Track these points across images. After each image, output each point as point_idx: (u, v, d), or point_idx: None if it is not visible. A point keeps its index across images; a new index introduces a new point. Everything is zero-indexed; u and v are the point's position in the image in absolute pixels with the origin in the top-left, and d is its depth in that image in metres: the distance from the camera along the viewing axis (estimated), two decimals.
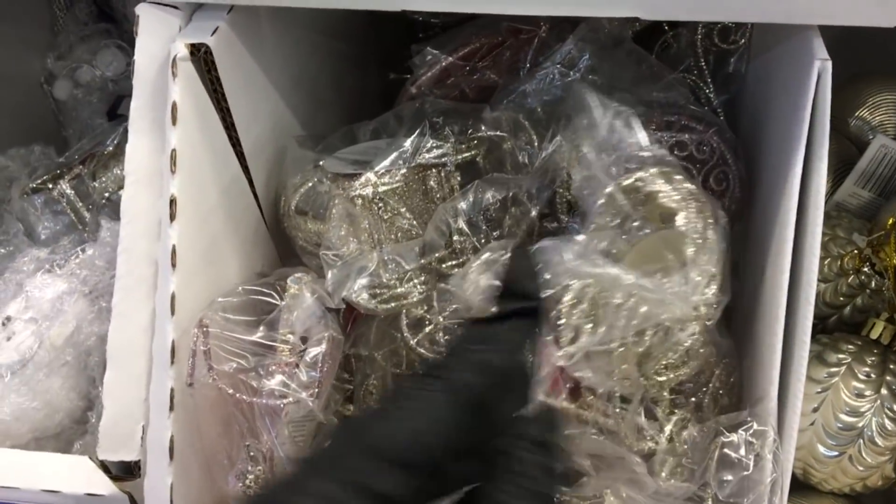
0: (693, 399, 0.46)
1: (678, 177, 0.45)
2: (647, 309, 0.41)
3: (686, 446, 0.44)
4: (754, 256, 0.52)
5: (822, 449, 0.52)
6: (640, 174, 0.45)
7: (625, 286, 0.42)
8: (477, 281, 0.45)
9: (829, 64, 0.45)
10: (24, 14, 0.92)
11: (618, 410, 0.46)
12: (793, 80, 0.48)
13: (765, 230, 0.50)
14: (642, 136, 0.47)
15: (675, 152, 0.53)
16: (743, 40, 0.61)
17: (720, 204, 0.53)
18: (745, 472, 0.41)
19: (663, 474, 0.43)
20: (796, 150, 0.46)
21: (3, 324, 0.55)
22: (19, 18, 0.91)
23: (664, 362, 0.45)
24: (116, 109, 0.87)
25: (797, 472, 0.54)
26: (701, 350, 0.46)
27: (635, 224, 0.45)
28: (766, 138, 0.54)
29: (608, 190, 0.46)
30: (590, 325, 0.43)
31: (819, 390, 0.51)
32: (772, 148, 0.52)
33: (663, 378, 0.45)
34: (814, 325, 0.58)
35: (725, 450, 0.42)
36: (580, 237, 0.45)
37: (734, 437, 0.42)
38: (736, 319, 0.52)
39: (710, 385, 0.47)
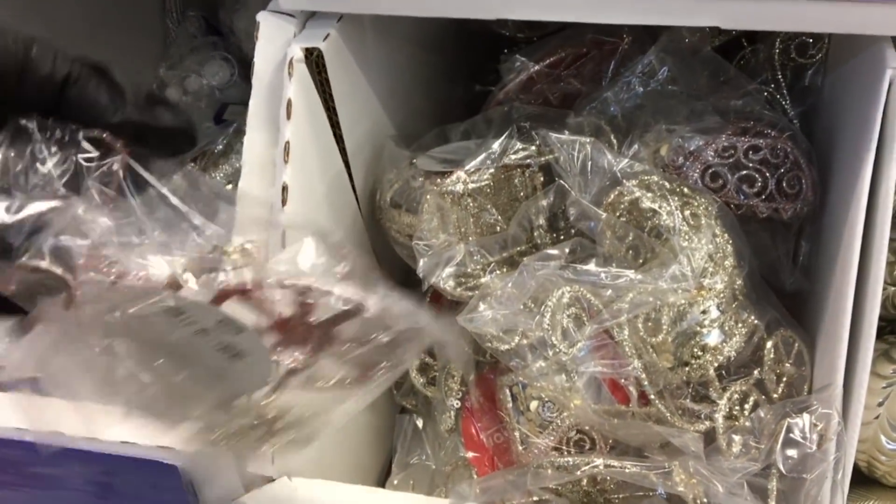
0: (753, 373, 0.49)
1: (655, 178, 0.49)
2: (633, 296, 0.45)
3: (750, 424, 0.46)
4: (825, 255, 0.55)
5: (885, 442, 0.53)
6: (619, 188, 0.50)
7: (616, 284, 0.46)
8: None
9: None
10: (140, 27, 1.00)
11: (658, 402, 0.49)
12: (866, 89, 0.50)
13: (835, 231, 0.53)
14: (611, 158, 0.52)
15: (750, 155, 0.56)
16: (820, 55, 0.64)
17: (793, 206, 0.56)
18: (809, 451, 0.44)
19: (735, 450, 0.46)
20: (867, 155, 0.48)
21: None
22: (136, 30, 0.99)
23: (701, 343, 0.48)
24: (222, 115, 0.94)
25: (861, 466, 0.56)
26: (737, 325, 0.49)
27: (632, 239, 0.50)
28: (838, 145, 0.56)
29: (601, 219, 0.51)
30: (575, 324, 0.47)
31: (885, 385, 0.53)
32: (844, 154, 0.54)
33: (702, 359, 0.48)
34: (883, 327, 0.60)
35: (791, 429, 0.45)
36: (554, 251, 0.51)
37: (800, 419, 0.45)
38: (808, 312, 0.55)
39: (766, 357, 0.50)
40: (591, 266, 0.50)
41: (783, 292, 0.57)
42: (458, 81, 0.83)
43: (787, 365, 0.51)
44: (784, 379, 0.51)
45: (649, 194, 0.52)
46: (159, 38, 1.01)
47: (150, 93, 0.37)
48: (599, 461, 0.46)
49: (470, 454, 0.59)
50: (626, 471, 0.45)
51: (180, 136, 0.40)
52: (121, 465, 0.58)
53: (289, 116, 0.54)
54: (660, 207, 0.51)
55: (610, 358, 0.48)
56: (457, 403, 0.60)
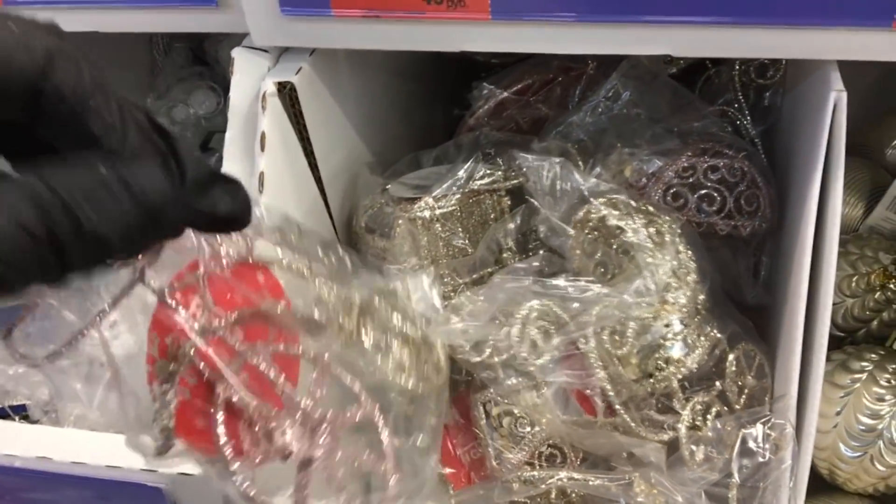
0: (716, 385, 0.51)
1: (621, 197, 0.51)
2: (598, 309, 0.48)
3: (711, 434, 0.48)
4: (782, 270, 0.57)
5: (844, 449, 0.55)
6: (587, 206, 0.52)
7: (583, 298, 0.49)
8: None
9: (844, 94, 0.50)
10: (128, 58, 1.02)
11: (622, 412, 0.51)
12: (814, 110, 0.53)
13: (790, 246, 0.55)
14: (579, 177, 0.55)
15: (709, 175, 0.58)
16: (778, 75, 0.66)
17: (752, 223, 0.58)
18: (764, 460, 0.46)
19: (697, 459, 0.48)
20: (815, 173, 0.51)
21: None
22: (123, 62, 1.01)
23: (665, 356, 0.50)
24: (208, 143, 0.97)
25: (823, 473, 0.58)
26: (699, 338, 0.51)
27: (600, 256, 0.53)
28: (794, 163, 0.58)
29: (571, 235, 0.54)
30: (543, 337, 0.49)
31: (842, 395, 0.55)
32: (798, 171, 0.56)
33: (666, 371, 0.50)
34: (842, 338, 0.62)
35: (746, 440, 0.47)
36: (522, 265, 0.54)
37: (754, 429, 0.47)
38: (769, 325, 0.57)
39: (728, 369, 0.52)
40: (560, 280, 0.52)
41: (746, 306, 0.59)
42: (436, 106, 0.85)
43: (749, 377, 0.53)
44: (746, 391, 0.53)
45: (615, 212, 0.54)
46: (147, 69, 1.03)
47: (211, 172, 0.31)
48: (564, 474, 0.47)
49: (447, 470, 0.60)
50: (590, 483, 0.47)
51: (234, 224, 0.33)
52: (109, 488, 0.60)
53: (262, 148, 0.56)
54: (625, 225, 0.53)
55: (577, 369, 0.50)
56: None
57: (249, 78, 0.59)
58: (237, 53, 0.59)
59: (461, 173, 0.57)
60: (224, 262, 0.40)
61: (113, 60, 0.99)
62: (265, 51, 0.59)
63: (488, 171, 0.58)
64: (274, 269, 0.42)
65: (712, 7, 0.48)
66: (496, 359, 0.53)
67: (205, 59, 1.02)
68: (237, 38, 0.98)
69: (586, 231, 0.55)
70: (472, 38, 0.53)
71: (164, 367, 0.38)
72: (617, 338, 0.52)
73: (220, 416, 0.37)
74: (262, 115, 0.56)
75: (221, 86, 1.00)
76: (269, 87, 0.56)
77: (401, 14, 0.53)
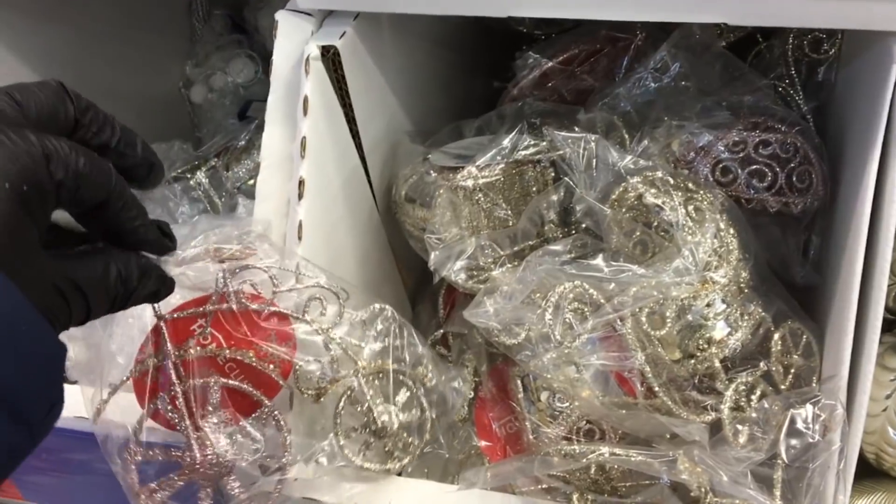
0: (760, 364, 0.50)
1: (659, 174, 0.50)
2: (636, 290, 0.46)
3: (756, 415, 0.47)
4: (834, 249, 0.55)
5: (893, 434, 0.54)
6: (623, 185, 0.51)
7: (619, 279, 0.48)
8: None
9: None
10: (167, 25, 1.02)
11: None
12: (874, 85, 0.51)
13: (844, 225, 0.53)
14: (616, 155, 0.54)
15: (760, 150, 0.56)
16: (833, 50, 0.64)
17: (803, 200, 0.56)
18: (813, 441, 0.45)
19: (741, 440, 0.47)
20: (874, 149, 0.49)
21: None
22: (162, 29, 1.01)
23: (707, 336, 0.49)
24: (246, 112, 0.96)
25: (870, 458, 0.56)
26: (742, 317, 0.49)
27: (639, 234, 0.52)
28: (849, 140, 0.57)
29: (607, 215, 0.53)
30: (578, 319, 0.48)
31: (892, 378, 0.54)
32: (853, 148, 0.55)
33: (708, 352, 0.49)
34: (893, 321, 0.60)
35: (795, 420, 0.46)
36: (558, 246, 0.53)
37: (804, 409, 0.46)
38: (818, 306, 0.55)
39: (773, 348, 0.50)
40: (594, 261, 0.51)
41: (794, 286, 0.58)
42: (476, 78, 0.84)
43: (796, 356, 0.52)
44: (792, 370, 0.52)
45: (653, 190, 0.52)
46: (186, 36, 1.03)
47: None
48: (605, 449, 0.46)
49: (482, 443, 0.60)
50: (632, 459, 0.46)
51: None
52: None
53: (305, 113, 0.55)
54: (663, 203, 0.52)
55: (615, 350, 0.49)
56: (470, 393, 0.61)
57: (292, 42, 0.58)
58: (281, 16, 0.58)
59: (506, 143, 0.56)
60: (235, 304, 0.51)
61: (152, 27, 0.99)
62: (309, 14, 0.58)
63: (533, 142, 0.56)
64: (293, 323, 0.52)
65: None
66: (533, 334, 0.52)
67: (244, 27, 1.01)
68: (277, 5, 0.97)
69: (623, 210, 0.54)
70: (521, 2, 0.52)
71: (146, 360, 0.52)
72: (656, 318, 0.51)
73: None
74: (305, 79, 0.55)
75: (260, 54, 0.99)
76: (313, 50, 0.55)
77: None
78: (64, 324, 0.37)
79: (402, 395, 0.53)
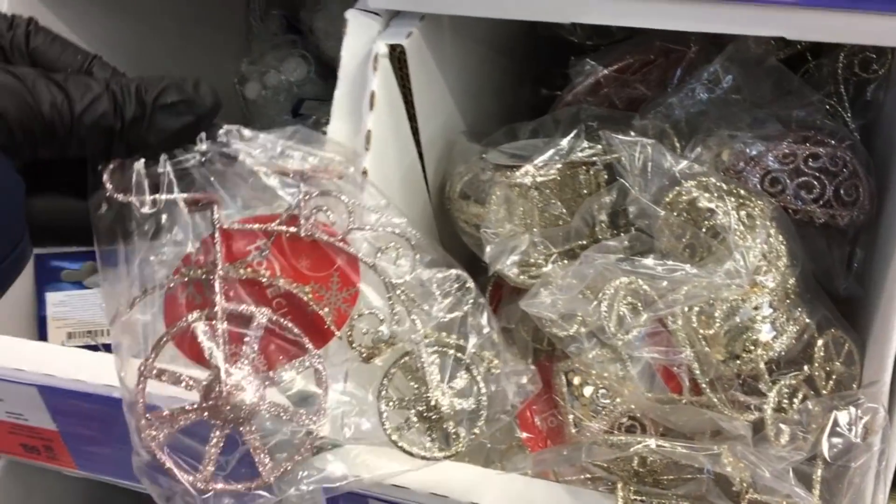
0: (803, 369, 0.51)
1: (713, 179, 0.52)
2: (688, 289, 0.48)
3: (798, 417, 0.49)
4: (879, 262, 0.56)
5: None
6: (677, 188, 0.53)
7: (672, 277, 0.49)
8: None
9: None
10: (225, 23, 1.05)
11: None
12: None
13: (890, 239, 0.55)
14: (671, 159, 0.55)
15: (810, 163, 0.58)
16: (882, 70, 0.66)
17: (850, 214, 0.58)
18: (854, 442, 0.46)
19: (782, 440, 0.48)
20: None
21: None
22: (221, 27, 1.05)
23: (753, 338, 0.50)
24: (298, 109, 0.99)
25: None
26: (788, 322, 0.51)
27: (689, 238, 0.53)
28: (895, 158, 0.58)
29: (660, 217, 0.54)
30: (631, 313, 0.50)
31: None
32: None
33: (754, 354, 0.51)
34: None
35: (838, 421, 0.47)
36: (614, 242, 0.55)
37: (847, 412, 0.47)
38: (860, 317, 0.57)
39: (816, 354, 0.52)
40: (649, 260, 0.53)
41: (836, 298, 0.59)
42: (524, 85, 0.86)
43: (837, 364, 0.53)
44: (833, 377, 0.53)
45: (707, 194, 0.54)
46: (242, 34, 1.06)
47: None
48: (651, 441, 0.48)
49: (524, 435, 0.62)
50: (677, 451, 0.47)
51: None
52: None
53: (371, 107, 0.58)
54: (716, 207, 0.53)
55: (663, 345, 0.51)
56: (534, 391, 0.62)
57: (360, 40, 0.60)
58: (350, 15, 0.60)
59: (564, 143, 0.58)
60: (304, 230, 0.45)
61: (211, 24, 1.03)
62: (377, 14, 0.61)
63: (589, 145, 0.58)
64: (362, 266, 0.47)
65: None
66: (584, 330, 0.54)
67: (299, 28, 1.05)
68: (332, 8, 1.00)
69: (675, 213, 0.56)
70: (585, 9, 0.54)
71: (189, 270, 0.45)
72: (704, 318, 0.52)
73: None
74: (372, 75, 0.58)
75: (313, 55, 1.02)
76: (382, 48, 0.58)
77: None
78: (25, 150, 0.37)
79: (461, 380, 0.48)
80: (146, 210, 0.43)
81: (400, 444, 0.48)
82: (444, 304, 0.48)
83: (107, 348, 0.77)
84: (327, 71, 1.02)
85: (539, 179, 0.58)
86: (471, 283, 0.48)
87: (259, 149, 0.45)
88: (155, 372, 0.44)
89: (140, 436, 0.44)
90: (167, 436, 0.44)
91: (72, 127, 0.39)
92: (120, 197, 0.42)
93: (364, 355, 0.47)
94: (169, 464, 0.44)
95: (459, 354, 0.48)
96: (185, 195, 0.44)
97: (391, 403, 0.47)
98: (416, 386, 0.48)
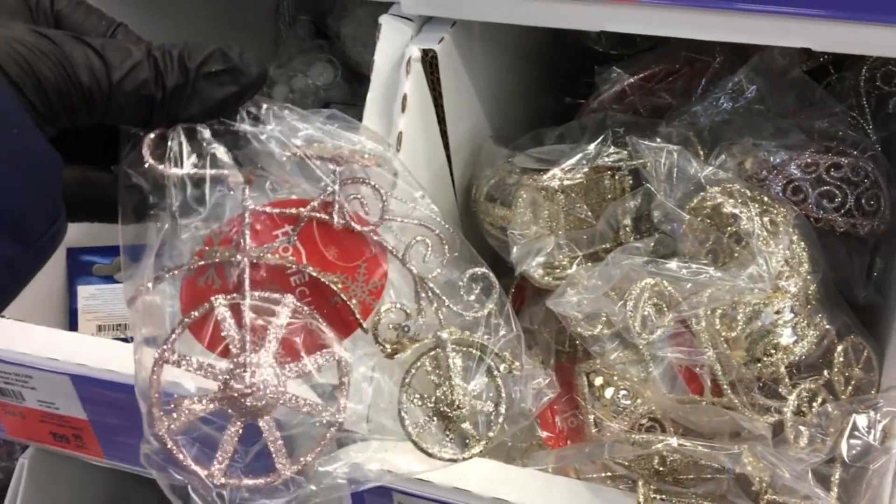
0: (823, 374, 0.52)
1: (737, 186, 0.53)
2: (711, 291, 0.49)
3: (817, 420, 0.50)
4: None
5: None
6: (702, 194, 0.54)
7: (696, 280, 0.50)
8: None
9: None
10: (255, 28, 1.07)
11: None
12: None
13: None
14: (697, 165, 0.56)
15: (832, 172, 0.59)
16: None
17: (870, 223, 0.59)
18: (873, 444, 0.47)
19: (801, 442, 0.49)
20: None
21: None
22: (251, 31, 1.07)
23: (774, 342, 0.51)
24: None
25: None
26: (808, 327, 0.52)
27: (712, 243, 0.54)
28: None
29: (685, 221, 0.55)
30: (656, 313, 0.51)
31: None
32: None
33: (775, 357, 0.52)
34: None
35: (857, 424, 0.48)
36: (640, 244, 0.56)
37: (865, 415, 0.48)
38: (879, 325, 0.58)
39: (835, 360, 0.53)
40: (673, 262, 0.54)
41: (856, 305, 0.60)
42: (549, 92, 0.88)
43: (856, 369, 0.54)
44: (852, 382, 0.54)
45: (731, 200, 0.55)
46: (271, 39, 1.08)
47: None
48: (673, 439, 0.49)
49: (545, 434, 0.63)
50: (699, 450, 0.48)
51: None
52: None
53: (403, 109, 0.59)
54: (740, 213, 0.55)
55: (686, 346, 0.52)
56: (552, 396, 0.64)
57: (393, 45, 0.62)
58: (384, 20, 0.62)
59: (591, 148, 0.59)
60: (337, 217, 0.43)
61: (241, 28, 1.05)
62: (410, 19, 0.62)
63: (615, 150, 0.60)
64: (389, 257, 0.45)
65: (858, 3, 0.50)
66: (607, 332, 0.55)
67: (326, 34, 1.06)
68: (360, 15, 1.02)
69: (699, 218, 0.57)
70: (615, 18, 0.55)
71: (212, 252, 0.42)
72: (727, 321, 0.53)
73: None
74: (405, 78, 0.59)
75: (340, 60, 1.04)
76: (415, 52, 0.59)
77: None
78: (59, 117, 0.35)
79: (480, 380, 0.47)
80: (176, 184, 0.40)
81: (418, 442, 0.46)
82: (468, 303, 0.47)
83: None
84: (353, 76, 1.04)
85: (566, 183, 0.60)
86: (495, 283, 0.47)
87: (294, 129, 0.43)
88: (173, 358, 0.41)
89: (153, 425, 0.41)
90: (181, 426, 0.41)
91: (110, 95, 0.36)
92: (161, 168, 0.39)
93: (388, 350, 0.45)
94: (182, 456, 0.41)
95: (481, 354, 0.46)
96: (221, 171, 0.41)
97: (413, 400, 0.46)
98: (437, 383, 0.47)
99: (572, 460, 0.54)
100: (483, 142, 0.69)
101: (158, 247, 0.42)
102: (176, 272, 0.42)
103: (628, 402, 0.59)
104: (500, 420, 0.47)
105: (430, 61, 0.60)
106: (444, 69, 0.61)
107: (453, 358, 0.46)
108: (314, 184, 0.43)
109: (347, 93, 1.02)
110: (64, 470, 0.82)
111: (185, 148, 0.40)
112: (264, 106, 0.42)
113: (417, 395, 0.47)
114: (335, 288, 0.43)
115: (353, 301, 0.44)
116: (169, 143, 0.40)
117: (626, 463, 0.54)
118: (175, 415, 0.40)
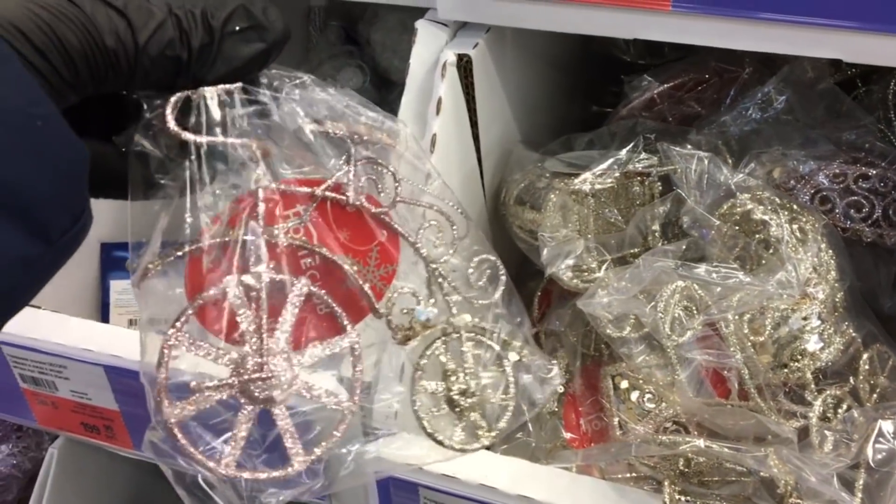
0: (848, 381, 0.53)
1: (767, 193, 0.53)
2: (740, 295, 0.50)
3: (842, 426, 0.50)
4: None
5: None
6: (732, 200, 0.55)
7: (725, 284, 0.51)
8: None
9: None
10: None
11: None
12: None
13: None
14: (727, 172, 0.57)
15: (860, 183, 0.60)
16: None
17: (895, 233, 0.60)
18: None
19: (826, 448, 0.50)
20: None
21: None
22: None
23: (801, 348, 0.52)
24: None
25: None
26: (835, 335, 0.53)
27: (740, 249, 0.55)
28: None
29: (714, 226, 0.56)
30: (685, 315, 0.52)
31: None
32: None
33: (802, 363, 0.52)
34: None
35: (883, 430, 0.49)
36: (671, 247, 0.57)
37: (891, 420, 0.49)
38: None
39: (861, 367, 0.53)
40: (703, 267, 0.55)
41: (882, 315, 0.61)
42: (576, 100, 0.89)
43: (882, 378, 0.55)
44: (878, 390, 0.55)
45: (761, 207, 0.56)
46: (302, 44, 1.10)
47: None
48: (700, 441, 0.50)
49: (568, 435, 0.64)
50: (724, 451, 0.49)
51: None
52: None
53: (438, 112, 0.60)
54: (770, 219, 0.55)
55: (714, 349, 0.53)
56: (560, 388, 0.65)
57: (428, 49, 0.63)
58: (420, 25, 0.63)
59: (622, 154, 0.60)
60: (352, 198, 0.41)
61: None
62: (445, 25, 0.64)
63: (646, 156, 0.61)
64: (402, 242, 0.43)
65: (889, 15, 0.50)
66: (635, 334, 0.56)
67: (356, 40, 1.08)
68: (389, 22, 1.03)
69: (729, 224, 0.57)
70: (648, 26, 0.56)
71: (224, 231, 0.40)
72: (755, 325, 0.54)
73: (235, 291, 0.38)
74: (440, 82, 0.61)
75: (369, 66, 1.05)
76: (451, 57, 0.61)
77: None
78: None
79: (491, 370, 0.45)
80: (194, 152, 0.38)
81: (429, 431, 0.45)
82: (478, 289, 0.45)
83: None
84: (381, 81, 1.05)
85: (597, 187, 0.61)
86: (503, 270, 0.45)
87: (314, 101, 0.41)
88: (181, 343, 0.38)
89: (161, 412, 0.39)
90: (191, 413, 0.39)
91: (136, 58, 0.34)
92: (184, 134, 0.37)
93: (399, 336, 0.44)
94: (191, 448, 0.39)
95: (490, 342, 0.45)
96: (245, 140, 0.39)
97: (424, 387, 0.44)
98: (449, 371, 0.45)
99: (598, 459, 0.55)
100: (513, 146, 0.70)
101: (167, 223, 0.40)
102: (186, 250, 0.39)
103: (653, 405, 0.59)
104: (509, 411, 0.45)
105: (464, 66, 0.62)
106: (477, 74, 0.62)
107: (465, 345, 0.44)
108: (329, 161, 0.41)
109: (376, 98, 1.03)
110: (92, 461, 0.83)
111: (215, 112, 0.38)
112: (285, 74, 0.41)
113: (428, 384, 0.45)
114: (349, 271, 0.41)
115: (367, 285, 0.42)
116: (195, 108, 0.38)
117: (652, 464, 0.55)
118: (184, 402, 0.38)
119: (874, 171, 0.60)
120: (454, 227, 0.44)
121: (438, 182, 0.44)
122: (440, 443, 0.44)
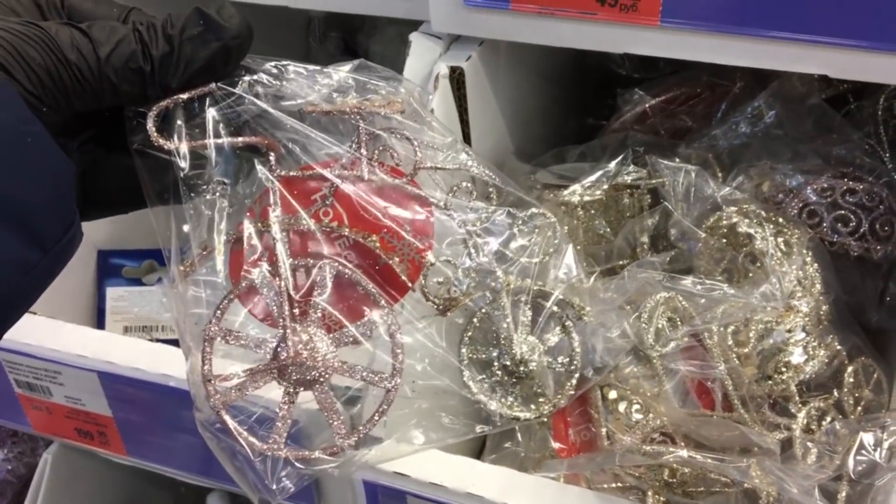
0: (833, 394, 0.53)
1: (753, 207, 0.54)
2: (725, 307, 0.50)
3: (825, 438, 0.51)
4: None
5: None
6: (719, 213, 0.56)
7: (710, 296, 0.52)
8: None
9: None
10: (286, 43, 1.10)
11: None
12: None
13: None
14: (714, 185, 0.58)
15: (847, 197, 0.60)
16: None
17: (884, 248, 0.60)
18: (879, 461, 0.48)
19: (809, 459, 0.50)
20: None
21: None
22: (282, 47, 1.09)
23: (784, 360, 0.53)
24: None
25: None
26: (819, 347, 0.53)
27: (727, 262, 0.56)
28: None
29: (701, 239, 0.57)
30: (669, 326, 0.52)
31: None
32: None
33: (786, 375, 0.53)
34: None
35: (864, 442, 0.49)
36: (656, 258, 0.57)
37: (872, 433, 0.49)
38: (891, 348, 0.59)
39: (845, 380, 0.54)
40: (688, 279, 0.55)
41: (868, 329, 0.61)
42: (570, 113, 0.90)
43: (866, 391, 0.55)
44: (862, 403, 0.55)
45: (746, 220, 0.57)
46: (302, 55, 1.11)
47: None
48: (683, 451, 0.50)
49: (557, 445, 0.64)
50: (708, 462, 0.50)
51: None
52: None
53: None
54: (755, 233, 0.56)
55: (698, 360, 0.53)
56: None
57: (422, 61, 0.64)
58: (414, 37, 0.64)
59: (612, 166, 0.61)
60: (366, 173, 0.41)
61: (273, 44, 1.07)
62: (439, 37, 0.64)
63: (635, 169, 0.61)
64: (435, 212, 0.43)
65: (875, 32, 0.51)
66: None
67: (355, 51, 1.09)
68: (388, 33, 1.04)
69: (715, 237, 0.58)
70: (638, 41, 0.57)
71: (253, 223, 0.42)
72: (739, 338, 0.55)
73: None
74: (433, 94, 0.61)
75: None
76: (443, 69, 0.61)
77: (574, 13, 0.57)
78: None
79: (554, 335, 0.44)
80: (184, 162, 0.40)
81: (478, 397, 0.43)
82: (524, 247, 0.43)
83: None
84: None
85: (586, 199, 0.61)
86: (554, 220, 0.44)
87: (310, 86, 0.43)
88: (221, 333, 0.41)
89: (208, 401, 0.41)
90: (235, 398, 0.41)
91: (100, 71, 0.36)
92: (167, 144, 0.39)
93: (440, 308, 0.42)
94: (239, 432, 0.41)
95: (542, 301, 0.43)
96: (239, 139, 0.41)
97: (473, 356, 0.43)
98: (500, 337, 0.43)
99: (584, 468, 0.55)
100: (506, 158, 0.71)
101: (195, 223, 0.42)
102: (221, 245, 0.41)
103: (641, 416, 0.60)
104: (575, 376, 0.44)
105: (457, 78, 0.62)
106: (470, 86, 0.63)
107: (511, 309, 0.43)
108: (339, 140, 0.42)
109: None
110: (85, 467, 0.84)
111: (213, 118, 0.40)
112: (271, 65, 0.43)
113: (476, 352, 0.44)
114: (374, 248, 0.41)
115: (397, 260, 0.42)
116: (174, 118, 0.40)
117: (637, 474, 0.55)
118: (229, 389, 0.41)
119: (861, 186, 0.61)
120: (489, 188, 0.43)
121: (458, 144, 0.44)
122: (491, 409, 0.44)
